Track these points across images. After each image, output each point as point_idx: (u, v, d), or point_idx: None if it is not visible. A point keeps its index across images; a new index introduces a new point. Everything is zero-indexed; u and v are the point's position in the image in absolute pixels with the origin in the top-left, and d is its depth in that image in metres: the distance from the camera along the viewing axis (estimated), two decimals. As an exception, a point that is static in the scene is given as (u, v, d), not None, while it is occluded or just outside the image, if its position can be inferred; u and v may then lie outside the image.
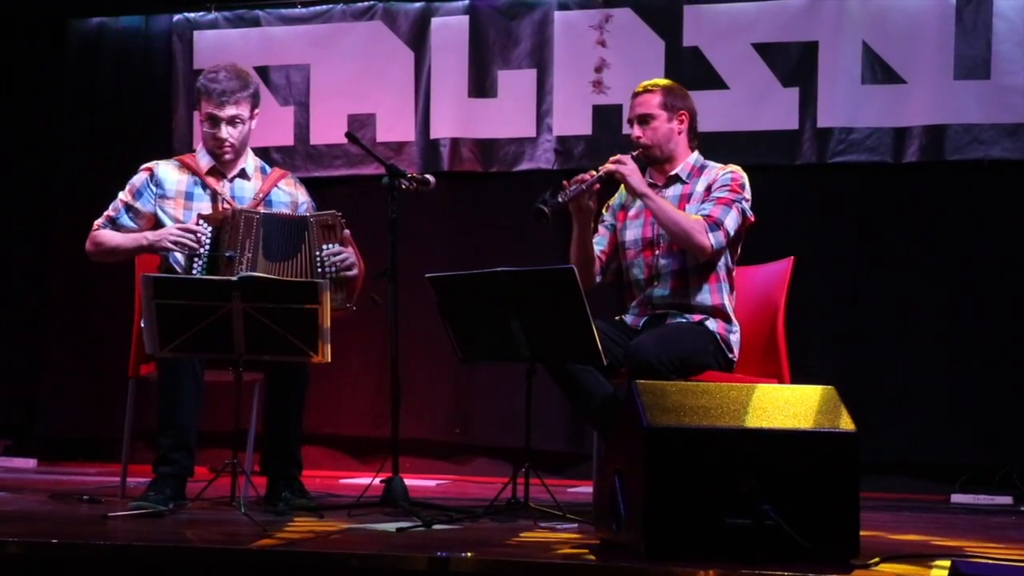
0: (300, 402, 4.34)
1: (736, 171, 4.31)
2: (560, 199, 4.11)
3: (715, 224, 4.16)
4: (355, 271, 4.39)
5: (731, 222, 4.19)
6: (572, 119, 6.00)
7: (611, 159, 4.22)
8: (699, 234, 4.14)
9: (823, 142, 5.70)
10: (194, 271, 4.23)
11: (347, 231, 4.39)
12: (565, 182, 4.19)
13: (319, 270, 4.29)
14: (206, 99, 4.38)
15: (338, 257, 4.33)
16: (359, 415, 6.16)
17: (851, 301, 5.74)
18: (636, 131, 4.34)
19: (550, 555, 3.22)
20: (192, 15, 6.45)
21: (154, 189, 4.43)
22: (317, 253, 4.31)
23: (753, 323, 4.36)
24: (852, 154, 5.68)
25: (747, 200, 4.25)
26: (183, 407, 4.12)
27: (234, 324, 3.79)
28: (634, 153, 4.27)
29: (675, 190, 4.33)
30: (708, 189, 4.28)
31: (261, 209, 4.38)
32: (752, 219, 4.28)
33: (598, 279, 4.39)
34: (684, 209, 4.25)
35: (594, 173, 4.19)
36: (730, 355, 4.23)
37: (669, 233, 4.19)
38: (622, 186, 4.39)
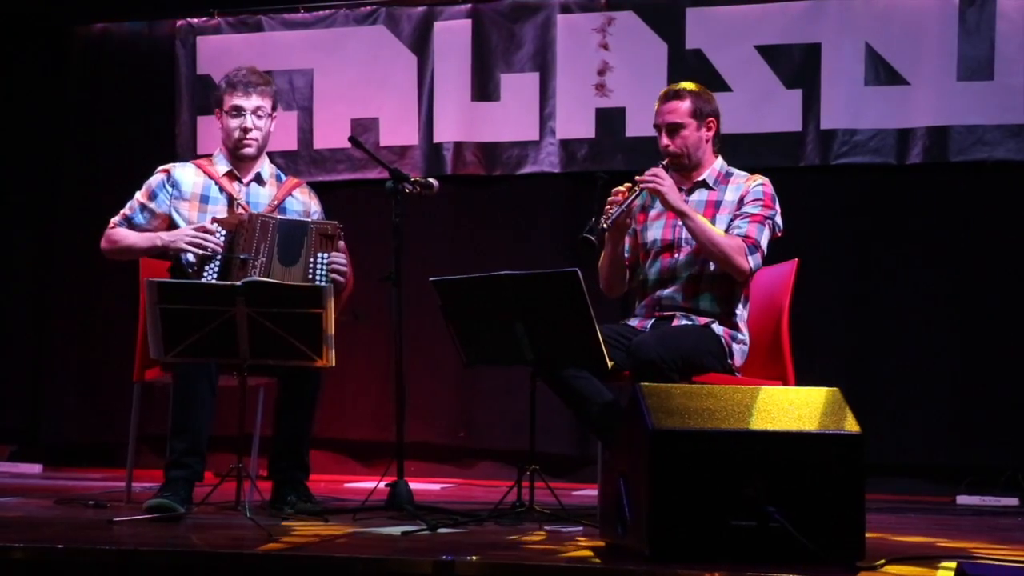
0: (312, 406, 4.35)
1: (766, 183, 4.28)
2: (604, 226, 4.09)
3: (754, 246, 4.15)
4: (344, 279, 4.38)
5: (766, 241, 4.19)
6: (575, 122, 6.00)
7: (647, 174, 4.16)
8: (739, 257, 4.13)
9: (826, 144, 5.71)
10: (206, 274, 4.23)
11: (342, 243, 4.39)
12: (610, 201, 4.15)
13: (310, 276, 4.29)
14: (230, 92, 4.43)
15: (332, 264, 4.32)
16: (364, 419, 6.16)
17: (855, 303, 5.73)
18: (664, 140, 4.29)
19: (555, 558, 3.21)
20: (195, 20, 6.46)
21: (170, 190, 4.46)
22: (311, 260, 4.31)
23: (758, 325, 4.35)
24: (855, 156, 5.68)
25: (778, 213, 4.25)
26: (198, 412, 4.12)
27: (238, 329, 3.79)
28: (663, 163, 4.24)
29: (700, 195, 4.31)
30: (740, 201, 4.25)
31: (276, 215, 4.39)
32: (780, 234, 4.27)
33: (626, 287, 4.40)
34: (713, 217, 4.23)
35: (629, 190, 4.15)
36: (729, 361, 4.22)
37: (708, 254, 4.18)
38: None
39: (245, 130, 4.43)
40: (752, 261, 4.16)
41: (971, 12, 5.54)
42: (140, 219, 4.46)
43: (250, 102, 4.43)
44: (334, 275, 4.32)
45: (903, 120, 5.62)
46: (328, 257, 4.33)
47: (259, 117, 4.45)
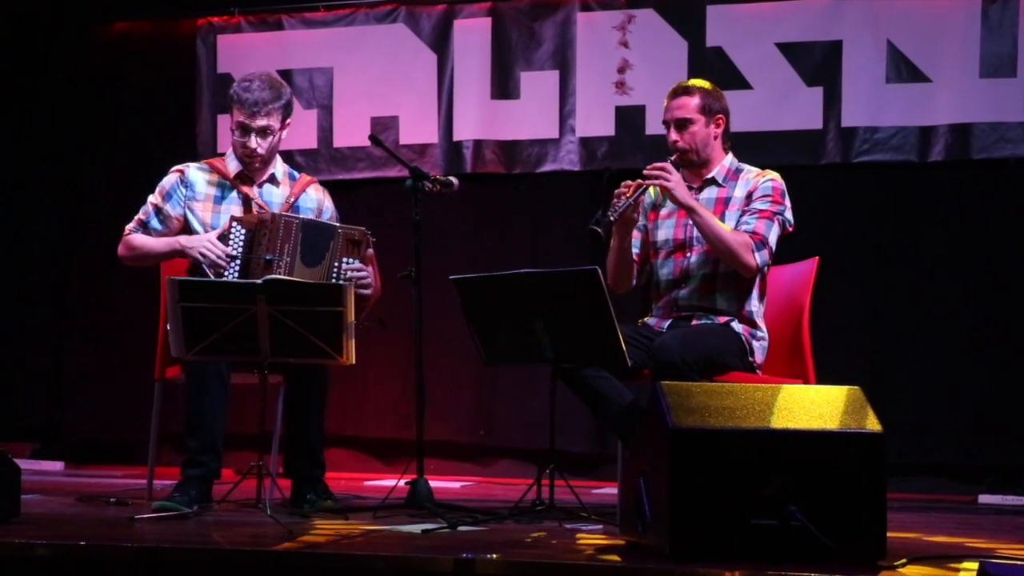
0: (321, 403, 4.35)
1: (776, 179, 4.26)
2: (611, 217, 4.08)
3: (761, 243, 4.13)
4: (370, 291, 4.38)
5: (774, 237, 4.17)
6: (595, 120, 6.00)
7: (653, 167, 4.15)
8: (746, 253, 4.11)
9: (848, 142, 5.68)
10: (227, 275, 4.22)
11: (371, 250, 4.37)
12: (617, 193, 4.14)
13: (333, 280, 4.27)
14: (238, 108, 4.36)
15: (358, 274, 4.32)
16: (384, 417, 6.17)
17: (877, 301, 5.71)
18: (673, 135, 4.29)
19: (575, 556, 3.21)
20: (216, 19, 6.48)
21: (184, 191, 4.43)
22: (336, 264, 4.30)
23: (778, 323, 4.34)
24: (877, 154, 5.66)
25: (788, 208, 4.23)
26: (211, 410, 4.13)
27: (259, 327, 3.80)
28: (671, 158, 4.23)
29: (710, 193, 4.30)
30: (748, 197, 4.24)
31: (299, 215, 4.38)
32: (791, 229, 4.25)
33: (634, 283, 4.38)
34: (722, 214, 4.22)
35: (638, 183, 4.15)
36: (750, 359, 4.21)
37: (715, 249, 4.16)
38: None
39: (249, 150, 4.38)
40: (759, 258, 4.13)
41: (994, 9, 5.51)
42: (156, 223, 4.43)
43: (255, 122, 4.34)
44: (360, 291, 4.29)
45: (925, 117, 5.60)
46: (352, 263, 4.32)
47: (264, 136, 4.36)
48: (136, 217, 4.48)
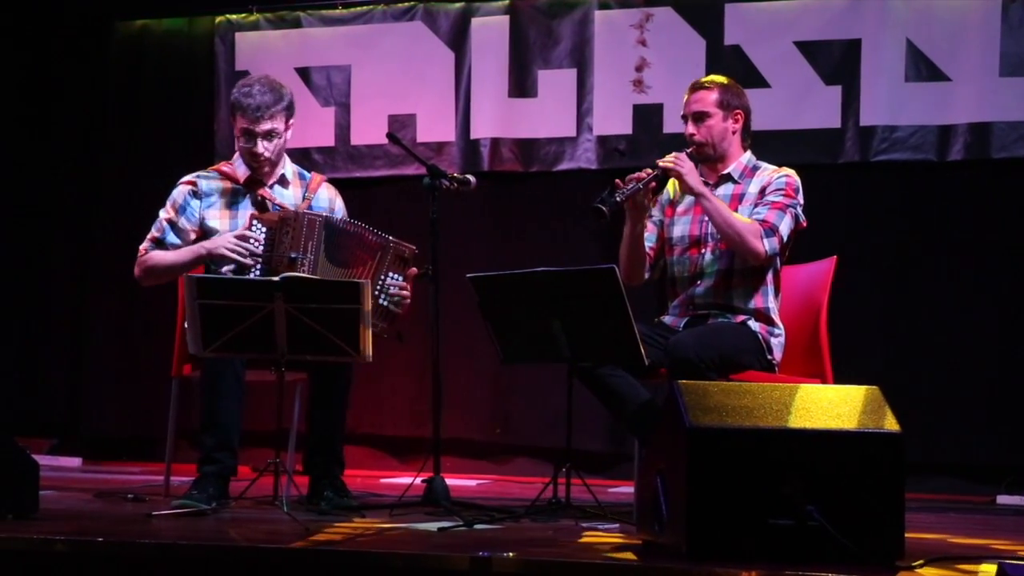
0: (344, 401, 4.35)
1: (790, 175, 4.27)
2: (617, 198, 4.08)
3: (771, 230, 4.13)
4: (403, 310, 4.38)
5: (785, 228, 4.16)
6: (613, 118, 5.99)
7: (668, 156, 4.18)
8: (754, 239, 4.11)
9: (866, 141, 5.66)
10: (251, 274, 4.21)
11: (413, 268, 4.37)
12: (618, 181, 4.15)
13: (376, 291, 4.26)
14: (241, 114, 4.32)
15: (402, 292, 4.31)
16: (400, 415, 6.18)
17: (895, 300, 5.69)
18: (690, 128, 4.31)
19: (592, 555, 3.21)
20: (234, 17, 6.49)
21: (198, 202, 4.40)
22: (382, 278, 4.28)
23: (796, 323, 4.34)
24: (895, 152, 5.64)
25: (801, 204, 4.22)
26: (226, 407, 4.13)
27: (276, 324, 3.81)
28: (688, 150, 4.24)
29: (726, 189, 4.31)
30: (762, 191, 4.25)
31: (312, 211, 4.37)
32: (804, 224, 4.25)
33: (647, 276, 4.38)
34: (736, 210, 4.23)
35: (651, 171, 4.16)
36: (769, 357, 4.20)
37: (723, 236, 4.17)
38: (671, 182, 4.37)
39: (256, 155, 4.35)
40: (768, 244, 4.13)
41: (1014, 8, 5.49)
42: (173, 238, 4.37)
43: (260, 127, 4.31)
44: (395, 307, 4.30)
45: (944, 116, 5.58)
46: (397, 279, 4.30)
47: (270, 140, 4.33)
48: (149, 236, 4.41)
